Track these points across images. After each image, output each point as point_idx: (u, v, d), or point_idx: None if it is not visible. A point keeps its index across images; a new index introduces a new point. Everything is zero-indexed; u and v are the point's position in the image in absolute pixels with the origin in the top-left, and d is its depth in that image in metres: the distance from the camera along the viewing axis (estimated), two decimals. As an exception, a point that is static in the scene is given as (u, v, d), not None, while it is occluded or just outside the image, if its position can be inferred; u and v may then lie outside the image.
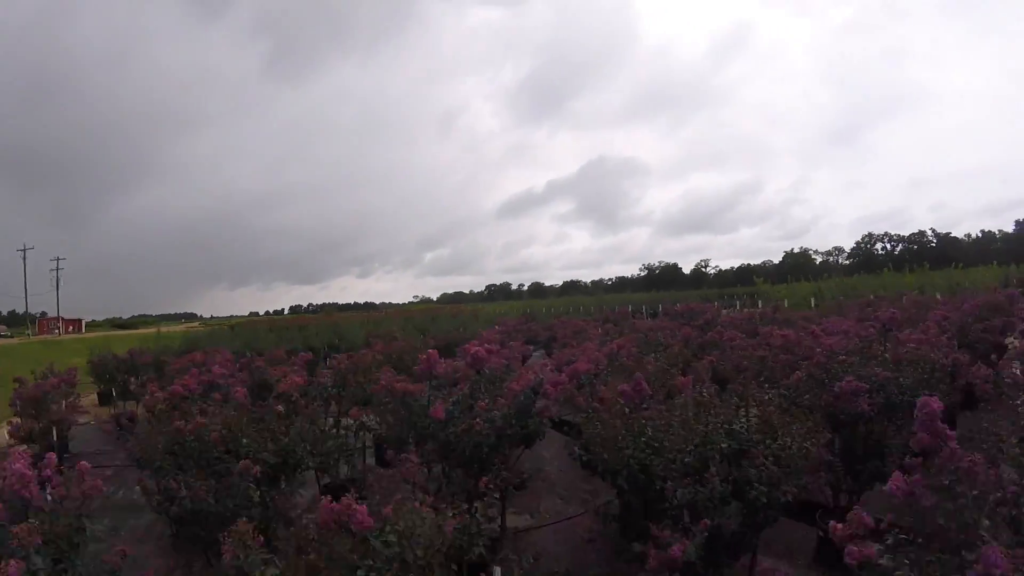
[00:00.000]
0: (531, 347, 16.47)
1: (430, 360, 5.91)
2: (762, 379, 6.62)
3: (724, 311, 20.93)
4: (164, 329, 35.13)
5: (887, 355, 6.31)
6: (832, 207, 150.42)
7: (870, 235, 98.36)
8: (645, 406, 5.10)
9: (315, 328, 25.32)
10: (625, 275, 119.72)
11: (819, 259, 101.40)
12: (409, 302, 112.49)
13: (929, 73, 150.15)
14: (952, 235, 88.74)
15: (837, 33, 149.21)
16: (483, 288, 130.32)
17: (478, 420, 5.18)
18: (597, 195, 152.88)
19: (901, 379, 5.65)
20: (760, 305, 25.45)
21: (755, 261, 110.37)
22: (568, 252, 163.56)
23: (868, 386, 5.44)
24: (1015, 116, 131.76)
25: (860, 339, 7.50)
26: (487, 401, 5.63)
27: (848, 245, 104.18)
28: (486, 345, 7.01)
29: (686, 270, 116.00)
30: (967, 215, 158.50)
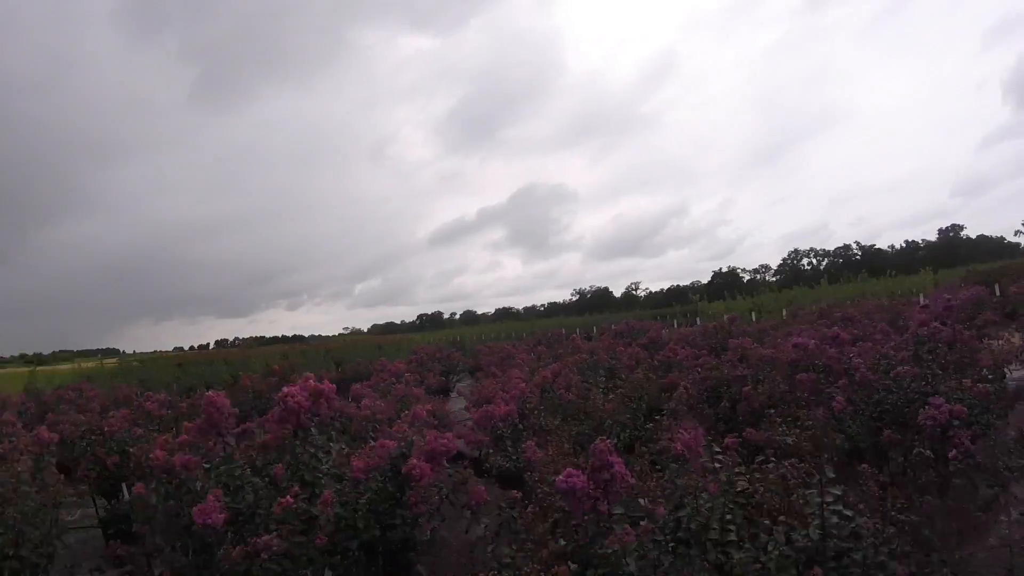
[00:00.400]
0: (450, 377, 14.91)
1: (217, 407, 3.20)
2: (776, 413, 4.37)
3: (664, 331, 18.97)
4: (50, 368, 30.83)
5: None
6: (757, 226, 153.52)
7: (796, 251, 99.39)
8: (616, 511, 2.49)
9: (200, 366, 22.26)
10: (557, 300, 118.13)
11: (747, 277, 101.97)
12: (339, 334, 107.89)
13: (848, 94, 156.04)
14: (876, 247, 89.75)
15: (759, 58, 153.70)
16: (415, 318, 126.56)
17: (267, 539, 2.49)
18: (528, 222, 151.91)
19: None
20: (699, 322, 23.54)
21: (684, 282, 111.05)
22: (501, 280, 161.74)
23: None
24: (929, 133, 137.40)
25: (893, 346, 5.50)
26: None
27: (774, 262, 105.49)
28: (317, 385, 4.06)
29: (617, 293, 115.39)
30: (886, 227, 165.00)
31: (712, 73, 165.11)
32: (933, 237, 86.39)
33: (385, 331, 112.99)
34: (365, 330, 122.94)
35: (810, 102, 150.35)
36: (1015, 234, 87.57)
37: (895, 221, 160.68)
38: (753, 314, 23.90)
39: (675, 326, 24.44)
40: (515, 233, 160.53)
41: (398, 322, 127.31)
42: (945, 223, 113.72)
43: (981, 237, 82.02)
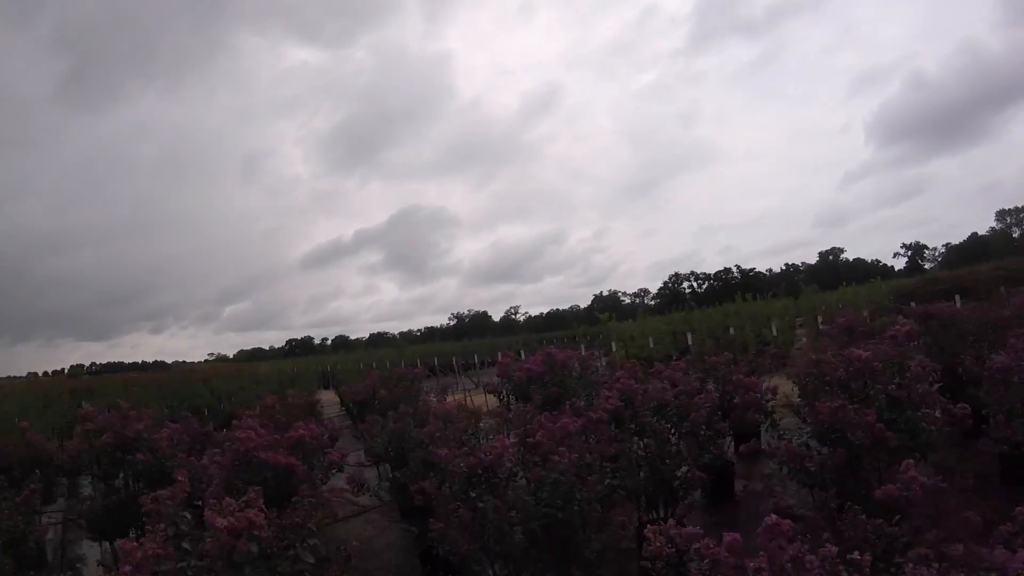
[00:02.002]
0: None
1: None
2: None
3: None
4: None
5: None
6: (630, 254, 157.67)
7: (676, 275, 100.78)
8: None
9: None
10: (435, 325, 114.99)
11: (627, 300, 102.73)
12: (204, 360, 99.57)
13: (717, 133, 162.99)
14: (756, 269, 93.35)
15: (637, 96, 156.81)
16: (284, 343, 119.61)
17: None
18: (407, 245, 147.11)
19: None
20: (615, 348, 21.05)
21: (563, 306, 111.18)
22: (377, 304, 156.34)
23: None
24: (795, 170, 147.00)
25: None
26: None
27: (647, 287, 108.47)
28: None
29: (496, 317, 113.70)
30: (751, 256, 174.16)
31: (593, 108, 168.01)
32: (811, 261, 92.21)
33: (252, 357, 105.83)
34: (232, 356, 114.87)
35: (683, 140, 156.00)
36: (893, 256, 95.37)
37: (760, 250, 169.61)
38: (689, 335, 21.62)
39: (583, 351, 21.77)
40: (393, 256, 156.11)
41: (267, 348, 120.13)
42: (806, 252, 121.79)
43: (858, 260, 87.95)
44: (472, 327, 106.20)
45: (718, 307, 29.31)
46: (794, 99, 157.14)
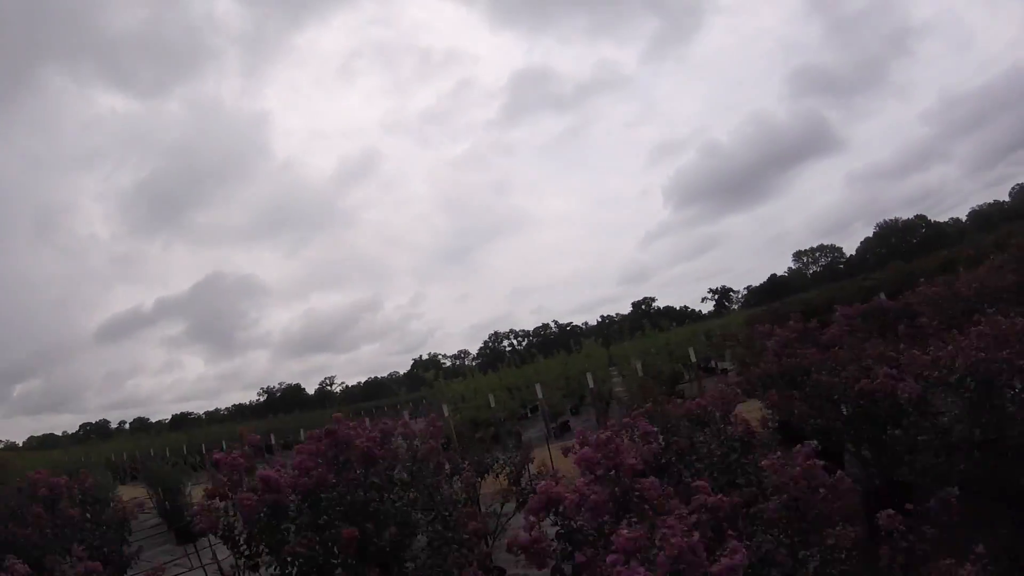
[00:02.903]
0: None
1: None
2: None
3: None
4: None
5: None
6: (446, 319, 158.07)
7: (496, 333, 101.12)
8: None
9: None
10: (243, 402, 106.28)
11: (448, 363, 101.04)
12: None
13: (528, 200, 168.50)
14: (573, 323, 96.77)
15: (452, 165, 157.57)
16: (78, 428, 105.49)
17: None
18: (213, 316, 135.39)
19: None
20: (446, 410, 18.37)
21: (381, 374, 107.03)
22: (180, 381, 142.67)
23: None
24: (595, 233, 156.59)
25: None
26: None
27: (464, 350, 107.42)
28: None
29: (310, 390, 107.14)
30: (562, 314, 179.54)
31: (409, 175, 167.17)
32: (624, 311, 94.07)
33: (43, 444, 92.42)
34: (20, 443, 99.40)
35: (496, 207, 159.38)
36: (702, 300, 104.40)
37: (569, 309, 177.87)
38: (539, 387, 19.59)
39: (408, 416, 19.02)
40: (198, 328, 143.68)
41: (59, 433, 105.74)
42: (615, 306, 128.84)
43: (668, 307, 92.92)
44: (284, 401, 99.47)
45: (558, 356, 27.88)
46: (598, 168, 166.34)
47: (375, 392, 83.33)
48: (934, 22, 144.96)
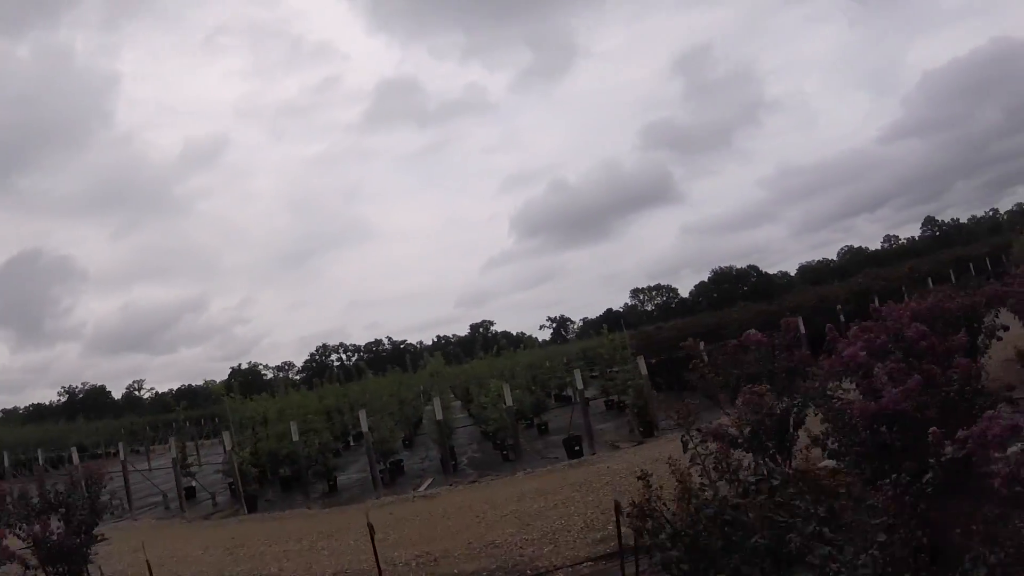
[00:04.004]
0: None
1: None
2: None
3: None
4: None
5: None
6: (275, 326, 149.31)
7: (324, 346, 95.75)
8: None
9: None
10: (44, 402, 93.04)
11: (269, 374, 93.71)
12: None
13: (375, 212, 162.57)
14: (408, 341, 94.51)
15: (304, 164, 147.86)
16: None
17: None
18: (22, 298, 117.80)
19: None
20: (228, 446, 13.77)
21: (197, 382, 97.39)
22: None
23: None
24: (439, 253, 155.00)
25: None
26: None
27: (293, 362, 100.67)
28: None
29: (116, 393, 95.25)
30: (396, 331, 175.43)
31: (256, 168, 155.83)
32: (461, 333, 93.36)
33: None
34: None
35: (342, 214, 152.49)
36: (540, 328, 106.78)
37: (408, 327, 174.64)
38: (363, 415, 15.04)
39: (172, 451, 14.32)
40: (2, 310, 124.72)
41: None
42: (449, 329, 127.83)
43: (505, 332, 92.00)
44: (87, 404, 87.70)
45: (391, 374, 23.59)
46: (450, 189, 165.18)
47: (188, 399, 75.16)
48: (784, 100, 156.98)
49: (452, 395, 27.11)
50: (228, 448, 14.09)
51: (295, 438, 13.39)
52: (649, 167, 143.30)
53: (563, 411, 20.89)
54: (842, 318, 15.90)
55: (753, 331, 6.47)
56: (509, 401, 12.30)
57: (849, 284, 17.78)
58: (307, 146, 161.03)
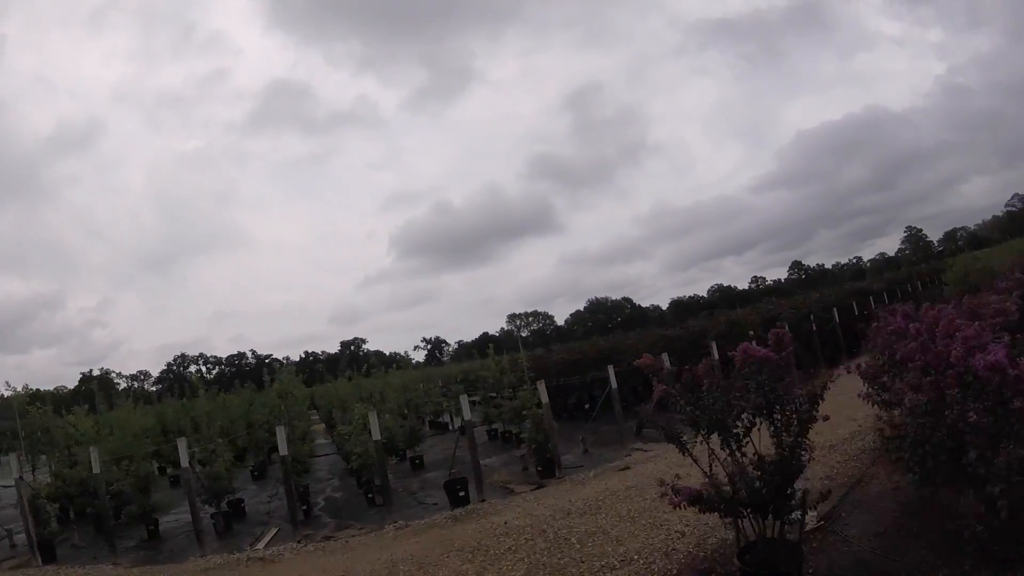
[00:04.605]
0: None
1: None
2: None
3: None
4: None
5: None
6: (136, 332, 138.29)
7: (183, 356, 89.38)
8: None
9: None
10: None
11: (123, 383, 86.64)
12: None
13: (250, 219, 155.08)
14: (273, 356, 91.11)
15: (179, 160, 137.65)
16: None
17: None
18: None
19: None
20: (17, 467, 10.58)
21: (48, 387, 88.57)
22: None
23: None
24: (314, 268, 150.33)
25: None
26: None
27: (153, 370, 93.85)
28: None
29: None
30: (262, 345, 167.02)
31: (130, 160, 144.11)
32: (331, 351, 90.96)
33: None
34: None
35: (215, 218, 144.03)
36: (414, 348, 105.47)
37: (273, 341, 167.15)
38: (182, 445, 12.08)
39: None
40: None
41: None
42: (320, 346, 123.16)
43: (378, 352, 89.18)
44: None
45: (242, 392, 20.41)
46: (330, 202, 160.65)
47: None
48: (665, 144, 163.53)
49: (316, 417, 24.38)
50: (17, 476, 10.89)
51: (96, 469, 10.31)
52: (532, 196, 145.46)
53: (441, 440, 18.53)
54: (754, 343, 14.57)
55: (752, 344, 4.61)
56: (377, 433, 9.77)
57: (759, 309, 16.41)
58: (185, 141, 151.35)
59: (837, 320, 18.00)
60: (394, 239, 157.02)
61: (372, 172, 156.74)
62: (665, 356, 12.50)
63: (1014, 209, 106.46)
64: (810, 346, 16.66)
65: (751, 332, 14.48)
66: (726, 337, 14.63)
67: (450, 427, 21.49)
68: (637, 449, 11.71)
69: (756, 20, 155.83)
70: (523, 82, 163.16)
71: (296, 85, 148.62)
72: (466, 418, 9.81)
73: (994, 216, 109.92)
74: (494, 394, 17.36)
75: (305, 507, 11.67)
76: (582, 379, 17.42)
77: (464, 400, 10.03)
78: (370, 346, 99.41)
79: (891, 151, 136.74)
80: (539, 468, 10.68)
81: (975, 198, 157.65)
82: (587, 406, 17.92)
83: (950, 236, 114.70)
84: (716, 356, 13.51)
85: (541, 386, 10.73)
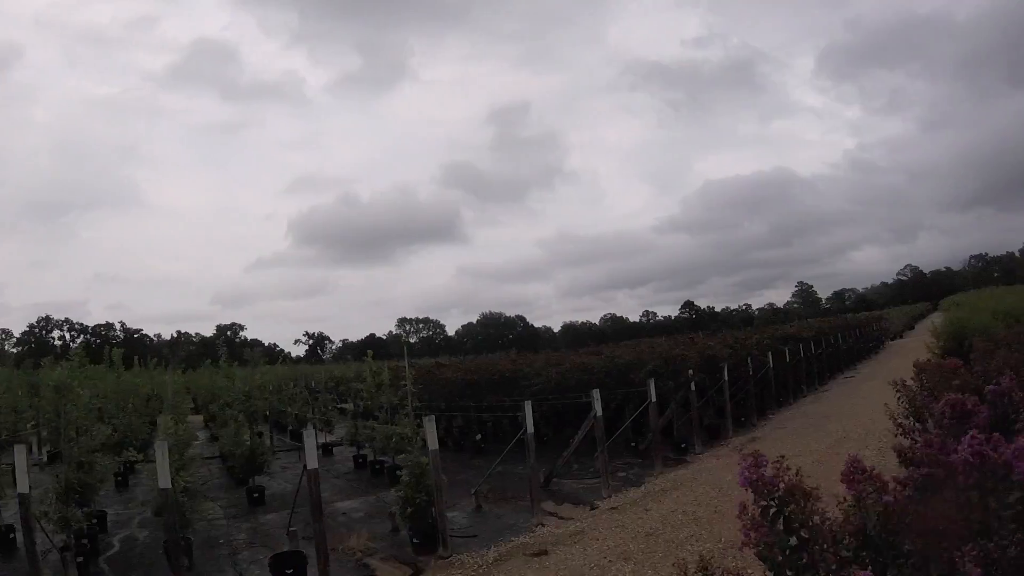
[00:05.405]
0: None
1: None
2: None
3: None
4: None
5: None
6: (7, 285, 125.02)
7: (47, 319, 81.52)
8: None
9: None
10: None
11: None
12: None
13: (148, 179, 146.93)
14: (143, 331, 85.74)
15: (89, 104, 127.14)
16: None
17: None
18: None
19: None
20: None
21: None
22: None
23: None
24: (207, 241, 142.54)
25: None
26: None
27: (19, 329, 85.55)
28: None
29: None
30: (141, 319, 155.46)
31: (38, 95, 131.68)
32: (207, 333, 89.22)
33: None
34: None
35: (111, 172, 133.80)
36: (295, 342, 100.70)
37: (153, 315, 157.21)
38: None
39: None
40: None
41: None
42: (196, 327, 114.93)
43: (256, 340, 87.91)
44: None
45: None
46: (236, 175, 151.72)
47: None
48: (580, 173, 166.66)
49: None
50: None
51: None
52: (442, 203, 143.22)
53: (299, 461, 15.10)
54: (693, 385, 12.12)
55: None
56: (166, 478, 6.29)
57: (697, 345, 13.91)
58: (98, 84, 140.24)
59: (771, 365, 15.94)
60: (294, 224, 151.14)
61: (285, 151, 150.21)
62: (596, 393, 9.69)
63: (904, 278, 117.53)
64: (746, 393, 14.43)
65: (691, 371, 12.03)
66: (659, 374, 11.99)
67: (304, 445, 17.80)
68: (550, 514, 8.72)
69: (690, 70, 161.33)
70: (454, 88, 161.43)
71: (224, 47, 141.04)
72: (310, 466, 6.53)
73: (883, 282, 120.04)
74: (372, 412, 14.06)
75: (81, 558, 7.91)
76: (478, 405, 14.45)
77: (310, 440, 6.68)
78: (248, 333, 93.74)
79: (792, 212, 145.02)
80: (415, 540, 7.45)
81: (863, 264, 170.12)
82: (479, 437, 14.92)
83: (839, 295, 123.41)
84: (653, 397, 10.85)
85: (429, 425, 7.49)
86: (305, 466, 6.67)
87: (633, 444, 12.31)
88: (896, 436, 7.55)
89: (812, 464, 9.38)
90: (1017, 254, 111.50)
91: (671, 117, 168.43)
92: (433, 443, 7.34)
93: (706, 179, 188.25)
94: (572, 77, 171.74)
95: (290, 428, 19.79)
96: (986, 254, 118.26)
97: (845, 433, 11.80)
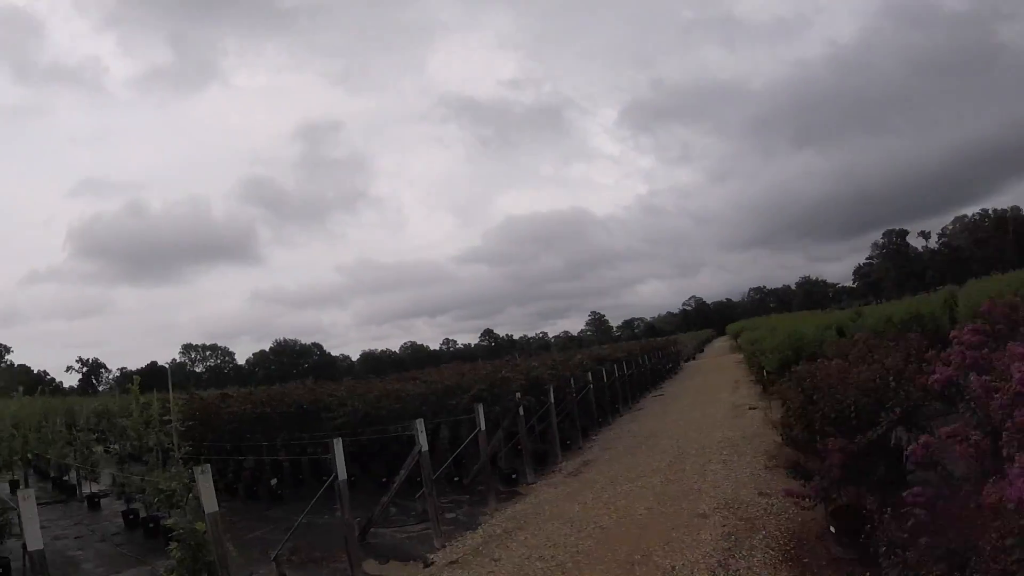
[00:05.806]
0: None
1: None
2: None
3: None
4: None
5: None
6: None
7: None
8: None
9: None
10: None
11: None
12: None
13: None
14: None
15: None
16: None
17: None
18: None
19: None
20: None
21: None
22: None
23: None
24: None
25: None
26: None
27: None
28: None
29: None
30: None
31: None
32: None
33: None
34: None
35: None
36: (67, 370, 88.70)
37: None
38: None
39: None
40: None
41: None
42: None
43: (23, 366, 78.54)
44: None
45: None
46: (15, 169, 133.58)
47: None
48: (385, 200, 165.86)
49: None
50: None
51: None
52: (238, 220, 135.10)
53: (64, 515, 12.20)
54: (521, 409, 11.06)
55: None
56: None
57: (522, 369, 12.96)
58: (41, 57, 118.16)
59: (591, 385, 15.45)
60: (74, 233, 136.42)
61: (73, 146, 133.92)
62: (420, 423, 8.17)
63: (689, 308, 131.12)
64: (570, 416, 13.75)
65: (518, 394, 10.96)
66: (485, 399, 10.73)
67: (77, 493, 14.36)
68: (372, 580, 7.08)
69: (502, 108, 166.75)
70: (265, 97, 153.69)
71: (28, 20, 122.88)
72: (30, 546, 4.45)
73: (669, 312, 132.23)
74: (141, 455, 11.32)
75: None
76: (272, 444, 12.33)
77: (28, 506, 4.58)
78: (15, 357, 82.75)
79: (586, 248, 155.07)
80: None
81: (650, 297, 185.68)
82: (275, 481, 12.65)
83: (628, 323, 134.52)
84: (483, 424, 9.58)
85: (204, 479, 5.48)
86: (24, 547, 4.63)
87: (456, 479, 10.98)
88: (785, 446, 7.12)
89: (663, 483, 9.43)
90: (793, 287, 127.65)
91: (479, 152, 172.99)
92: (211, 503, 5.39)
93: (508, 214, 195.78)
94: (386, 102, 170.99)
95: (52, 476, 16.27)
96: (764, 287, 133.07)
97: (681, 449, 11.80)
